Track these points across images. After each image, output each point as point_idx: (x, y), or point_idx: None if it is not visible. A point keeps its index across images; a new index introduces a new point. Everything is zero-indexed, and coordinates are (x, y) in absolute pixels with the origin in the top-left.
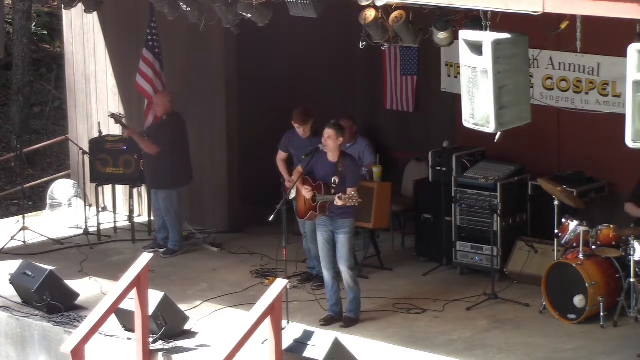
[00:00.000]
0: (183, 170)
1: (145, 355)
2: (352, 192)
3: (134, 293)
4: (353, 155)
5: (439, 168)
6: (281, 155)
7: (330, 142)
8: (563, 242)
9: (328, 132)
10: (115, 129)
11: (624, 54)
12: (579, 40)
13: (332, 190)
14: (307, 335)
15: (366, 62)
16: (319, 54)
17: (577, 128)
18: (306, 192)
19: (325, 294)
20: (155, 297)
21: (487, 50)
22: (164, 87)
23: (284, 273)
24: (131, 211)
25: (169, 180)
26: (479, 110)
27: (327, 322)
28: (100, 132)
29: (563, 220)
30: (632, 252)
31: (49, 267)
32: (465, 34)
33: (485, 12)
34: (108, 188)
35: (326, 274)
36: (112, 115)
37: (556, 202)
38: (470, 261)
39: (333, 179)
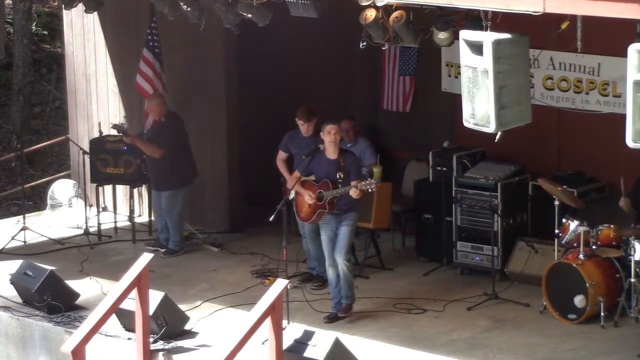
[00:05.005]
0: (187, 169)
1: (145, 355)
2: (368, 179)
3: (134, 293)
4: (352, 151)
5: (439, 168)
6: (281, 155)
7: (338, 137)
8: (563, 242)
9: (334, 127)
10: (115, 130)
11: (624, 54)
12: (579, 40)
13: (339, 186)
14: (308, 335)
15: (366, 62)
16: (319, 54)
17: (578, 128)
18: (309, 198)
19: (329, 292)
20: (155, 297)
21: (488, 50)
22: (163, 87)
23: (285, 273)
24: (131, 211)
25: (175, 181)
26: (479, 110)
27: (331, 320)
28: (100, 132)
29: (563, 220)
30: (632, 252)
31: (49, 267)
32: (465, 34)
33: (486, 12)
34: (108, 188)
35: (330, 272)
36: (115, 126)
37: (556, 202)
38: (470, 261)
39: (338, 174)
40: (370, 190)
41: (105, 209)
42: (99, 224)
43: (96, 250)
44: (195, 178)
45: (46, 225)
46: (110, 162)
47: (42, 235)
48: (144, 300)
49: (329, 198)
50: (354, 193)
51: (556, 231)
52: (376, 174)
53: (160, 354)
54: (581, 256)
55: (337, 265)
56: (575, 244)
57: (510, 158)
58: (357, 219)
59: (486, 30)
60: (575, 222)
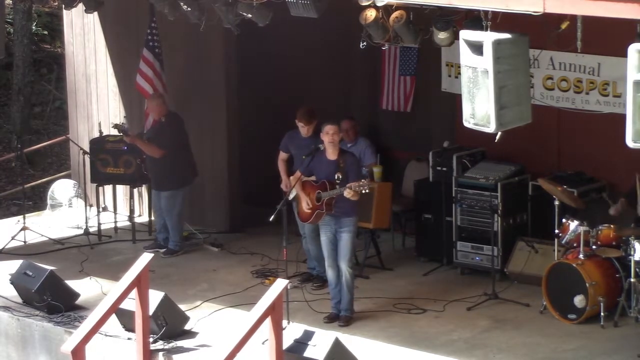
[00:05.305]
0: (187, 169)
1: (145, 355)
2: (362, 180)
3: (134, 293)
4: (353, 152)
5: (439, 168)
6: (282, 155)
7: (337, 138)
8: (563, 242)
9: (333, 128)
10: (116, 129)
11: (624, 54)
12: (579, 40)
13: (337, 187)
14: (308, 335)
15: (366, 62)
16: (319, 54)
17: (578, 128)
18: (306, 205)
19: (329, 292)
20: (155, 297)
21: (488, 50)
22: (163, 87)
23: (285, 273)
24: (131, 211)
25: (175, 181)
26: (479, 110)
27: (331, 320)
28: (100, 132)
29: (563, 220)
30: (632, 252)
31: (49, 267)
32: (465, 34)
33: (486, 12)
34: (108, 188)
35: (330, 273)
36: (116, 126)
37: (556, 202)
38: (470, 261)
39: (336, 175)
40: (364, 191)
41: (105, 209)
42: (99, 224)
43: (96, 250)
44: (195, 178)
45: (46, 225)
46: (110, 162)
47: (42, 235)
48: (144, 300)
49: (326, 199)
50: (348, 194)
51: (556, 231)
52: (376, 174)
53: (160, 354)
54: (581, 256)
55: (337, 267)
56: (575, 244)
57: (510, 158)
58: (356, 223)
59: (486, 30)
60: (575, 222)
